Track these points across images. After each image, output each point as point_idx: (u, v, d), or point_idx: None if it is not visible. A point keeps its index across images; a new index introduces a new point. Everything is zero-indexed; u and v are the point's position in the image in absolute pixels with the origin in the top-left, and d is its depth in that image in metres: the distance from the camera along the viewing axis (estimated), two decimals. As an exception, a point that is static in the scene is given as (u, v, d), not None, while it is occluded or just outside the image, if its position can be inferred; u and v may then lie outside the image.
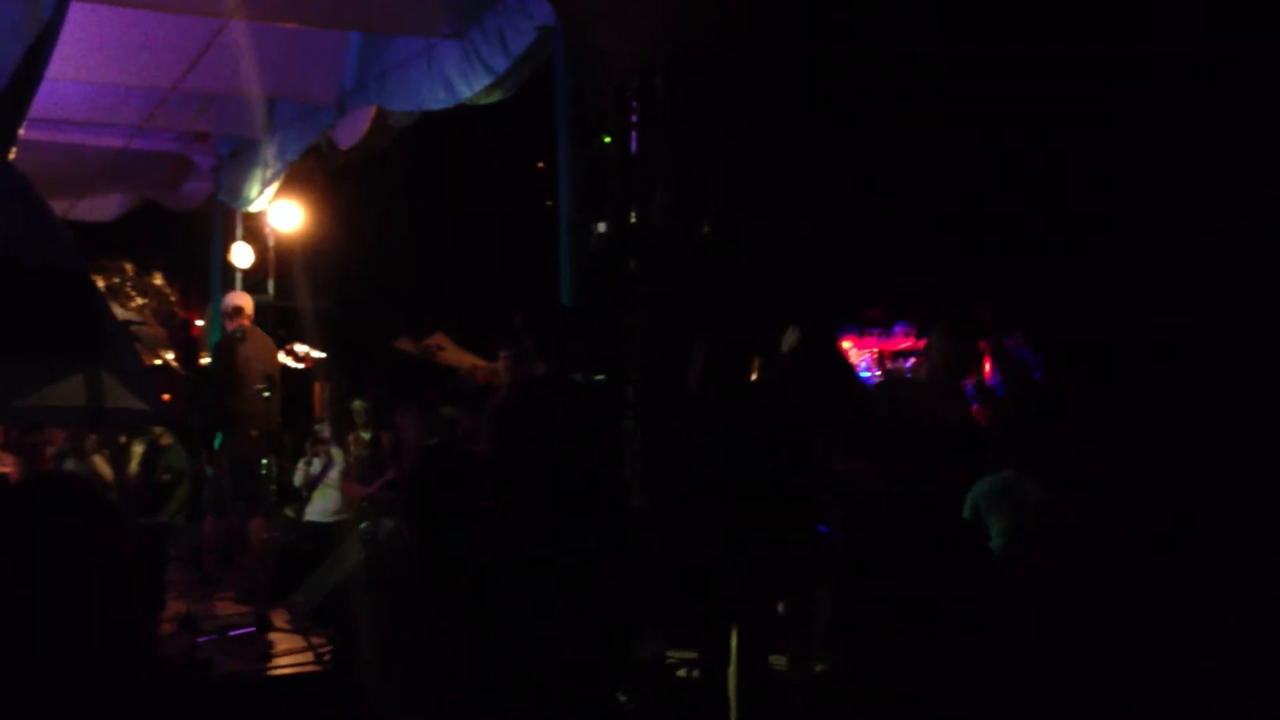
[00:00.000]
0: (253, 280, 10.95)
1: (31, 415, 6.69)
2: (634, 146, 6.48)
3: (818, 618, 5.12)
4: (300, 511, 9.31)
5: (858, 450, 4.89)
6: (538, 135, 7.56)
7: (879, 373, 9.41)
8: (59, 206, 9.07)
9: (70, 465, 8.63)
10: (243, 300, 8.43)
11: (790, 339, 5.15)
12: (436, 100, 7.62)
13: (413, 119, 8.70)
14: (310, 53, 8.42)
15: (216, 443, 7.99)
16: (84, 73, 8.21)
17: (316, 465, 9.28)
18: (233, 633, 5.70)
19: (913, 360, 8.86)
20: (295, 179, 10.35)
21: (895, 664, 4.49)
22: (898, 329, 10.13)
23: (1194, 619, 4.96)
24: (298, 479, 9.53)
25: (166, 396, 8.58)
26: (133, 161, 10.55)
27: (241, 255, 10.77)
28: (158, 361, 8.47)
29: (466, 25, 7.13)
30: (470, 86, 7.23)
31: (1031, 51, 8.09)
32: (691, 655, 5.29)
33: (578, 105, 6.37)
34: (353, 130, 9.20)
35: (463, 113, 7.79)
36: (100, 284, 7.87)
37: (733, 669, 4.83)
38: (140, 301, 11.19)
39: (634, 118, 6.50)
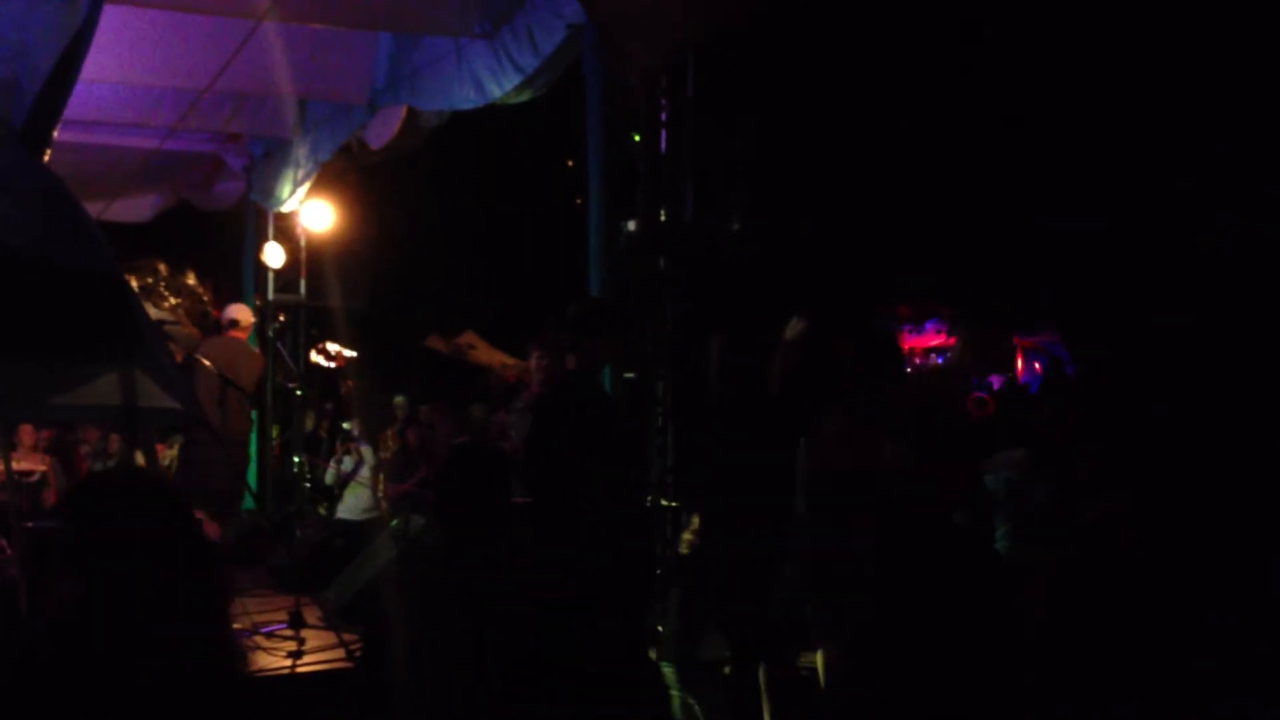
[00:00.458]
0: (284, 280, 11.04)
1: (66, 414, 6.77)
2: (663, 144, 6.48)
3: (846, 615, 5.09)
4: (332, 509, 9.38)
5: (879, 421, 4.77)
6: (567, 134, 7.56)
7: (909, 369, 9.37)
8: (94, 208, 9.13)
9: (99, 466, 8.75)
10: (239, 313, 8.87)
11: (795, 328, 5.07)
12: (467, 100, 7.62)
13: (443, 119, 8.73)
14: (341, 53, 8.46)
15: None
16: (118, 75, 8.28)
17: (348, 463, 9.35)
18: (265, 629, 5.73)
19: (943, 358, 8.82)
20: (327, 179, 10.40)
21: (895, 664, 4.44)
22: (929, 326, 10.09)
23: (1194, 619, 4.92)
24: (329, 477, 9.60)
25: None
26: (166, 162, 10.63)
27: (273, 255, 10.84)
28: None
29: (497, 24, 7.13)
30: (500, 86, 7.24)
31: (1056, 48, 8.04)
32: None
33: (608, 103, 6.35)
34: (384, 130, 9.24)
35: (493, 112, 7.80)
36: (134, 284, 7.93)
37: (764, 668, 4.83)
38: (174, 301, 11.27)
39: (663, 115, 6.50)
